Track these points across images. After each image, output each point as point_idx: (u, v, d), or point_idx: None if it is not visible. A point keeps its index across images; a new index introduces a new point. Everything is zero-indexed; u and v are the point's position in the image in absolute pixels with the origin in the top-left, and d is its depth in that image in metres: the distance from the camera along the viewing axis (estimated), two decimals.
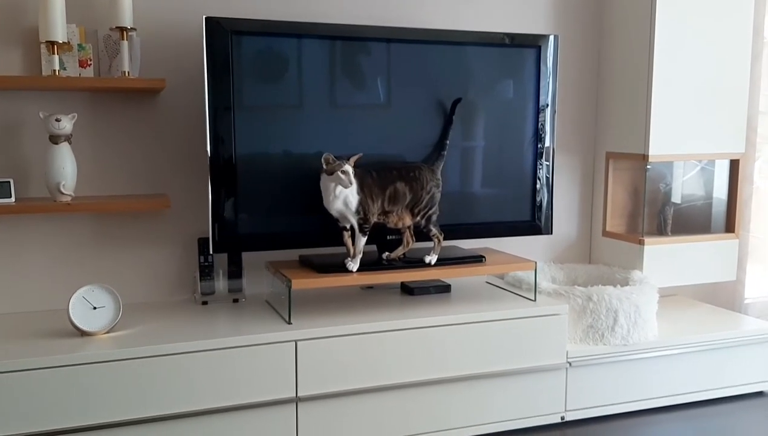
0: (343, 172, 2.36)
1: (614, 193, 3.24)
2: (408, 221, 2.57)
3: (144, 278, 2.68)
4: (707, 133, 3.08)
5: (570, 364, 2.69)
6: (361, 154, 2.42)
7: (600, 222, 3.28)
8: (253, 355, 2.28)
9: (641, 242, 3.04)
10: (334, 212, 2.45)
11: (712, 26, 3.01)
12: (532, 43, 2.79)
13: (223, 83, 2.40)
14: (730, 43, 3.06)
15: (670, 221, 3.24)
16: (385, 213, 2.53)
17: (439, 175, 2.61)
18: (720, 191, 3.34)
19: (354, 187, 2.43)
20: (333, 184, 2.39)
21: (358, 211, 2.45)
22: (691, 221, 3.37)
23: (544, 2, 3.13)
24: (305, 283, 2.42)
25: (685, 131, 3.03)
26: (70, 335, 2.26)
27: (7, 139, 2.48)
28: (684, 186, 3.40)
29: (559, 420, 2.72)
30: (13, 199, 2.38)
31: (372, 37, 2.58)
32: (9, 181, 2.38)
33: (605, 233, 3.25)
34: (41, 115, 2.36)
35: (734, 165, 3.24)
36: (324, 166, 2.39)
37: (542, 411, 2.69)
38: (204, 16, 2.36)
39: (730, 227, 3.25)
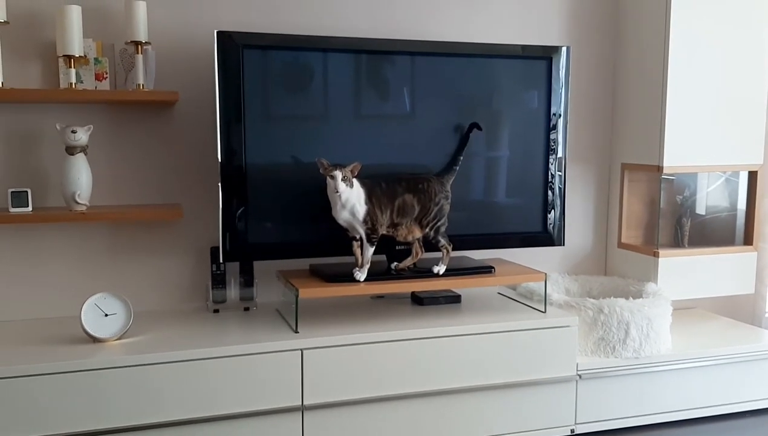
0: (332, 177, 2.39)
1: (630, 204, 3.21)
2: (417, 233, 2.59)
3: (157, 286, 2.74)
4: (724, 144, 3.04)
5: (580, 376, 2.67)
6: (359, 162, 2.44)
7: (615, 234, 3.25)
8: (259, 363, 2.31)
9: (656, 254, 3.02)
10: (341, 222, 2.48)
11: (727, 35, 2.98)
12: (545, 55, 2.80)
13: (235, 95, 2.45)
14: (747, 51, 3.02)
15: (687, 233, 3.20)
16: (394, 226, 2.55)
17: (448, 188, 2.62)
18: (744, 203, 3.29)
19: (362, 196, 2.46)
20: (338, 194, 2.41)
21: (365, 221, 2.47)
22: (715, 233, 3.33)
23: (559, 13, 3.13)
24: (312, 292, 2.45)
25: (701, 142, 3.00)
26: (82, 342, 2.31)
27: (26, 150, 2.56)
28: (708, 197, 3.36)
29: (569, 433, 2.70)
30: (30, 208, 2.45)
31: (382, 50, 2.62)
32: (26, 191, 2.45)
33: (620, 245, 3.22)
34: (58, 127, 2.43)
35: (752, 177, 3.19)
36: (320, 170, 2.43)
37: (552, 423, 2.67)
38: (216, 31, 2.42)
39: (748, 239, 3.20)
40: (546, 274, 2.73)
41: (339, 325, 2.51)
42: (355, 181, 2.43)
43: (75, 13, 2.38)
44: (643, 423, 2.78)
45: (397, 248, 2.65)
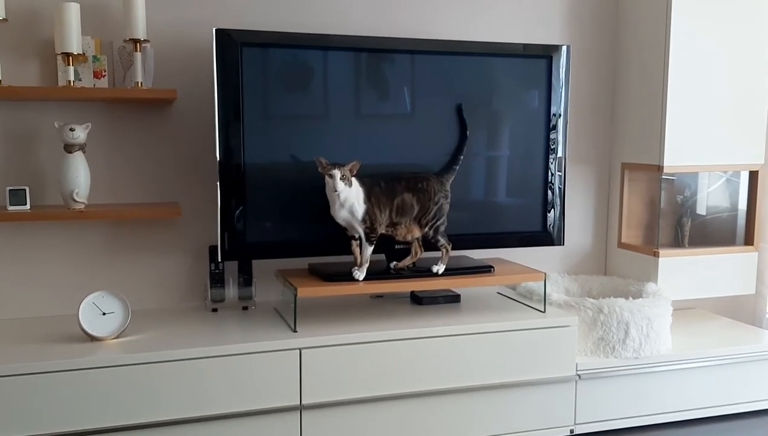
0: (330, 175, 2.38)
1: (630, 204, 3.20)
2: (417, 233, 2.58)
3: (156, 285, 2.73)
4: (725, 143, 3.03)
5: (579, 376, 2.66)
6: (358, 161, 2.43)
7: (615, 233, 3.24)
8: (257, 362, 2.30)
9: (656, 254, 3.01)
10: (340, 221, 2.47)
11: (728, 34, 2.97)
12: (545, 54, 2.79)
13: (233, 93, 2.45)
14: (748, 50, 3.01)
15: (687, 233, 3.19)
16: (393, 225, 2.54)
17: (447, 187, 2.61)
18: (745, 203, 3.28)
19: (361, 195, 2.45)
20: (336, 193, 2.40)
21: (364, 220, 2.46)
22: (716, 233, 3.32)
23: (560, 13, 3.12)
24: (311, 291, 2.44)
25: (702, 142, 2.99)
26: (79, 340, 2.30)
27: (24, 148, 2.55)
28: (709, 197, 3.35)
29: (569, 433, 2.69)
30: (28, 206, 2.44)
31: (382, 49, 2.61)
32: (25, 189, 2.45)
33: (620, 245, 3.21)
34: (56, 125, 2.43)
35: (753, 176, 3.18)
36: (318, 169, 2.42)
37: (551, 424, 2.66)
38: (214, 28, 2.41)
39: (749, 239, 3.19)
40: (545, 273, 2.72)
41: (338, 324, 2.50)
42: (354, 180, 2.43)
43: (74, 11, 2.37)
44: (643, 424, 2.77)
45: (396, 247, 2.64)
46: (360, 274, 2.49)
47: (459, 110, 2.68)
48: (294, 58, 2.52)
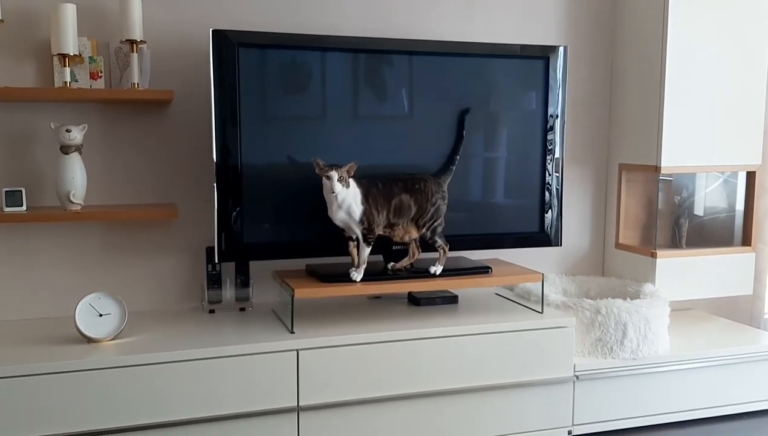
0: (327, 177, 2.37)
1: (627, 205, 3.20)
2: (414, 233, 2.58)
3: (152, 286, 2.72)
4: (722, 144, 3.03)
5: (577, 377, 2.66)
6: (355, 162, 2.42)
7: (613, 234, 3.24)
8: (255, 363, 2.29)
9: (653, 255, 3.01)
10: (337, 222, 2.47)
11: (725, 35, 2.98)
12: (543, 55, 2.79)
13: (230, 94, 2.44)
14: (745, 51, 3.01)
15: (684, 234, 3.19)
16: (390, 226, 2.53)
17: (445, 188, 2.61)
18: (743, 204, 3.28)
19: (358, 197, 2.45)
20: (334, 194, 2.39)
21: (362, 222, 2.46)
22: (714, 234, 3.32)
23: (557, 14, 3.12)
24: (308, 292, 2.43)
25: (699, 143, 2.99)
26: (76, 342, 2.30)
27: (20, 149, 2.54)
28: (707, 198, 3.35)
29: (567, 434, 2.68)
30: (24, 207, 2.44)
31: (379, 49, 2.61)
32: (21, 190, 2.44)
33: (618, 245, 3.21)
34: (52, 126, 2.42)
35: (751, 177, 3.18)
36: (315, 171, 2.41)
37: (549, 425, 2.66)
38: (211, 29, 2.41)
39: (746, 240, 3.19)
40: (543, 274, 2.72)
41: (335, 325, 2.49)
42: (351, 181, 2.42)
43: (70, 12, 2.37)
44: (641, 424, 2.77)
45: (393, 248, 2.64)
46: (357, 275, 2.49)
47: (463, 113, 2.67)
48: (291, 59, 2.52)
